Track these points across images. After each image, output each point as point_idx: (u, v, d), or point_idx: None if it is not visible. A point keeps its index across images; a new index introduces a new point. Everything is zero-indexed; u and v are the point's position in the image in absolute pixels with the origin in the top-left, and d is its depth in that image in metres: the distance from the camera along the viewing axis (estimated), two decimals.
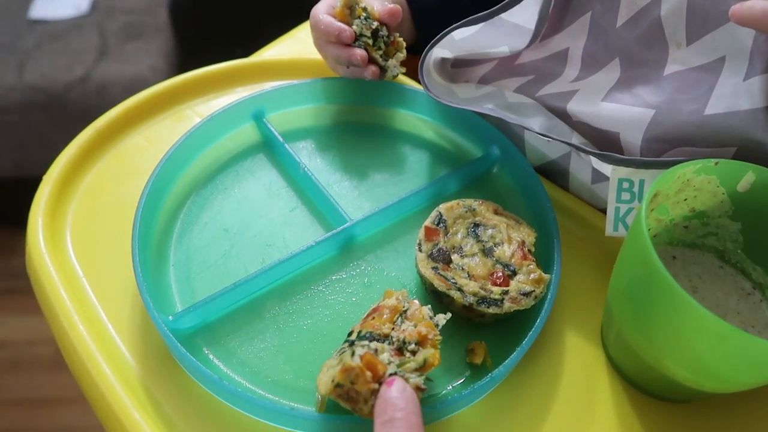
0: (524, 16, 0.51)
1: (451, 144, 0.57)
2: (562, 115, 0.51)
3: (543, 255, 0.47)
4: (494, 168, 0.54)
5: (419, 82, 0.53)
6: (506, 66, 0.56)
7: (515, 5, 0.50)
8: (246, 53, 0.69)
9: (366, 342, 0.38)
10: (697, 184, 0.41)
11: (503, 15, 0.50)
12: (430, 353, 0.38)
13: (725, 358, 0.34)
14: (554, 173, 0.53)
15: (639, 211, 0.37)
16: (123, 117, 0.55)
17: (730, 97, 0.42)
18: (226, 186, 0.52)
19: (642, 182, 0.43)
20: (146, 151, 0.54)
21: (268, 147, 0.55)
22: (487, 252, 0.46)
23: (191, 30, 1.38)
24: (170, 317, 0.42)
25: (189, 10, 1.32)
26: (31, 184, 0.50)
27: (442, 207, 0.48)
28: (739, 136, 0.42)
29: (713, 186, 0.41)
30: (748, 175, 0.40)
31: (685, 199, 0.42)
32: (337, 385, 0.35)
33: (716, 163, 0.40)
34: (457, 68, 0.59)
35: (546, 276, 0.45)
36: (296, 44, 0.65)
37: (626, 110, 0.47)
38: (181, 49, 1.42)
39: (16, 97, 1.30)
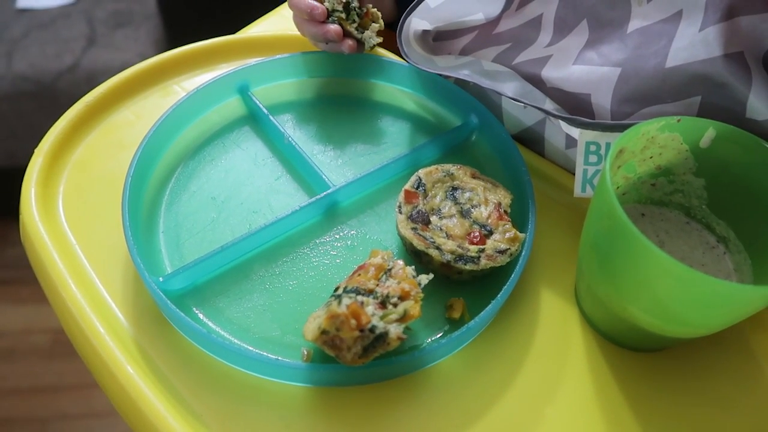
0: None
1: (431, 114, 0.59)
2: (537, 82, 0.53)
3: (519, 216, 0.49)
4: (473, 136, 0.56)
5: (399, 54, 0.54)
6: (485, 35, 0.58)
7: None
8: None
9: (352, 294, 0.40)
10: (662, 141, 0.43)
11: None
12: (410, 305, 0.40)
13: (684, 300, 0.36)
14: (530, 140, 0.55)
15: (604, 166, 0.39)
16: (111, 92, 0.56)
17: (687, 48, 0.44)
18: (213, 157, 0.54)
19: (608, 145, 0.45)
20: (134, 125, 0.55)
21: (254, 119, 0.57)
22: (464, 213, 0.48)
23: (179, 16, 1.39)
24: (161, 278, 0.44)
25: None
26: (23, 175, 0.51)
27: (422, 172, 0.50)
28: (700, 84, 0.44)
29: (677, 143, 0.43)
30: (709, 131, 0.42)
31: (651, 157, 0.44)
32: (323, 332, 0.37)
33: (678, 120, 0.42)
34: (439, 41, 0.61)
35: (521, 235, 0.47)
36: (281, 21, 0.67)
37: (595, 71, 0.49)
38: (169, 35, 1.43)
39: (5, 86, 1.30)
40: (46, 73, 1.32)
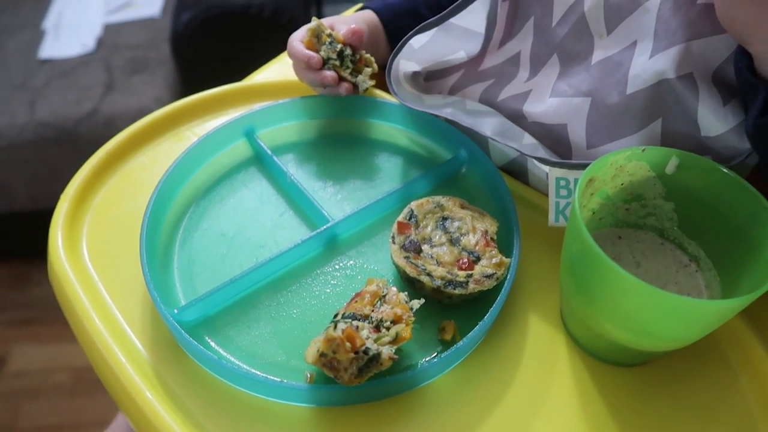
0: (473, 21, 0.57)
1: (423, 149, 0.63)
2: (519, 117, 0.57)
3: (505, 242, 0.53)
4: (462, 168, 0.60)
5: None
6: (472, 72, 0.62)
7: (462, 10, 0.57)
8: (244, 79, 0.76)
9: (349, 320, 0.44)
10: (630, 169, 0.47)
11: (452, 20, 0.57)
12: (401, 328, 0.44)
13: (652, 316, 0.40)
14: (515, 170, 0.59)
15: (574, 196, 0.42)
16: (129, 140, 0.62)
17: (641, 74, 0.48)
18: (222, 196, 0.58)
19: (577, 180, 0.48)
20: (150, 169, 0.60)
21: (259, 160, 0.61)
22: (454, 241, 0.52)
23: (192, 61, 1.46)
24: (176, 310, 0.48)
25: (189, 42, 1.40)
26: (46, 216, 0.55)
27: (414, 204, 0.54)
28: (658, 105, 0.49)
29: (644, 170, 0.47)
30: (672, 159, 0.46)
31: (622, 184, 0.48)
32: (322, 354, 0.41)
33: (643, 150, 0.46)
34: (429, 81, 0.66)
35: (506, 260, 0.50)
36: (283, 67, 0.72)
37: (568, 102, 0.53)
38: (183, 79, 1.50)
39: (28, 133, 1.37)
40: (67, 120, 1.39)
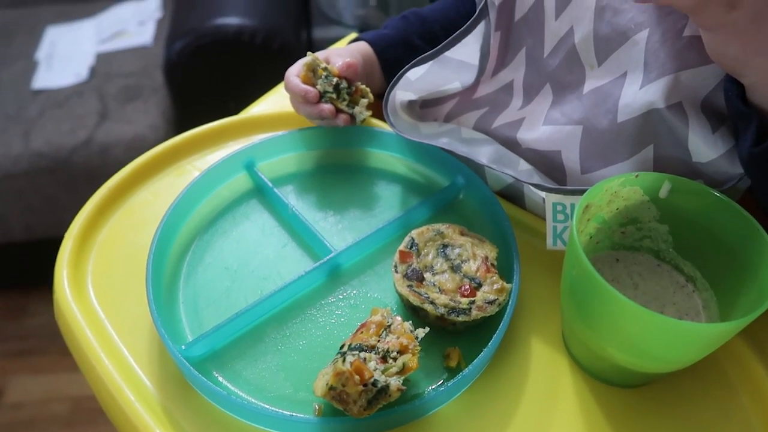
0: (467, 53, 0.59)
1: (421, 176, 0.64)
2: (513, 144, 0.59)
3: (506, 267, 0.54)
4: (460, 195, 0.62)
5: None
6: (466, 100, 0.64)
7: (457, 44, 0.58)
8: (238, 105, 0.77)
9: (356, 352, 0.44)
10: (624, 194, 0.48)
11: (447, 53, 0.58)
12: (408, 358, 0.44)
13: (652, 339, 0.41)
14: (512, 195, 0.60)
15: (571, 223, 0.43)
16: (131, 176, 0.62)
17: (631, 104, 0.50)
18: (225, 230, 0.59)
19: (573, 205, 0.50)
20: (153, 205, 0.61)
21: (260, 193, 0.62)
22: (455, 268, 0.53)
23: (186, 88, 1.47)
24: (183, 346, 0.48)
25: (182, 69, 1.41)
26: (42, 246, 0.56)
27: (414, 232, 0.55)
28: (649, 133, 0.50)
29: (638, 195, 0.48)
30: (665, 184, 0.47)
31: (617, 209, 0.49)
32: (331, 388, 0.42)
33: (637, 176, 0.47)
34: (425, 108, 0.67)
35: (507, 285, 0.51)
36: (281, 98, 0.73)
37: (561, 129, 0.55)
38: (177, 105, 1.51)
39: (23, 164, 1.38)
40: (61, 149, 1.39)
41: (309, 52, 0.62)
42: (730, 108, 0.46)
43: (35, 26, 1.72)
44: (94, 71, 1.57)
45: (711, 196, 0.46)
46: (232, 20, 1.39)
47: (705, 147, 0.48)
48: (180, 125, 1.52)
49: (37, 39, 1.68)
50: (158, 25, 1.70)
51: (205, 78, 1.46)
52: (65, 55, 1.64)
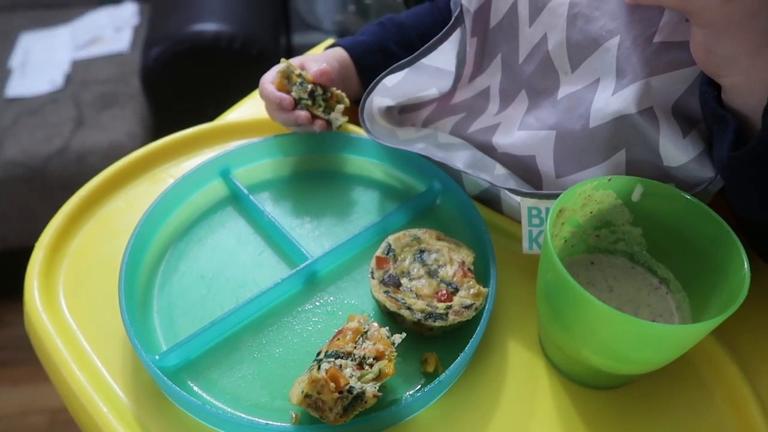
0: (443, 60, 0.59)
1: (398, 182, 0.64)
2: (489, 149, 0.59)
3: (482, 272, 0.54)
4: (437, 200, 0.62)
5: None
6: (444, 106, 0.64)
7: (433, 51, 0.58)
8: (217, 111, 0.76)
9: (332, 359, 0.44)
10: (598, 198, 0.48)
11: (423, 60, 0.59)
12: (384, 364, 0.44)
13: (623, 341, 0.41)
14: (489, 200, 0.60)
15: (545, 227, 0.44)
16: (104, 184, 0.61)
17: (603, 109, 0.50)
18: (200, 237, 0.59)
19: (548, 209, 0.50)
20: (126, 213, 0.60)
21: (236, 200, 0.62)
22: (432, 274, 0.53)
23: (163, 94, 1.46)
24: (156, 356, 0.47)
25: (159, 76, 1.40)
26: (17, 256, 0.55)
27: (391, 238, 0.55)
28: (621, 137, 0.51)
29: (611, 199, 0.48)
30: (637, 187, 0.48)
31: (591, 212, 0.49)
32: (306, 396, 0.41)
33: (609, 179, 0.47)
34: (403, 114, 0.67)
35: (484, 290, 0.51)
36: (256, 105, 0.72)
37: (535, 134, 0.55)
38: (154, 112, 1.50)
39: None
40: (36, 157, 1.37)
41: (283, 59, 0.62)
42: (705, 111, 0.47)
43: (9, 33, 1.69)
44: (69, 78, 1.55)
45: (682, 199, 0.46)
46: (209, 26, 1.38)
47: (676, 151, 0.49)
48: (158, 132, 1.51)
49: (10, 46, 1.66)
50: (135, 31, 1.69)
51: (183, 84, 1.44)
52: (40, 63, 1.61)
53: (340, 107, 0.62)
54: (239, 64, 1.40)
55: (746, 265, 0.41)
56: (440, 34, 0.59)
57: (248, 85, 0.77)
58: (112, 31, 1.71)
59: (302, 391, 0.41)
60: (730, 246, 0.43)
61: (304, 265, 0.54)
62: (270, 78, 0.62)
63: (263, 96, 0.62)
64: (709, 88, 0.45)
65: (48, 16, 1.76)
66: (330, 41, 0.79)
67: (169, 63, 1.38)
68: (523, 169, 0.57)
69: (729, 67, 0.43)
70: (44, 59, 1.62)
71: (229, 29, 1.38)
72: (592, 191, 0.48)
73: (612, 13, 0.51)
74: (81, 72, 1.56)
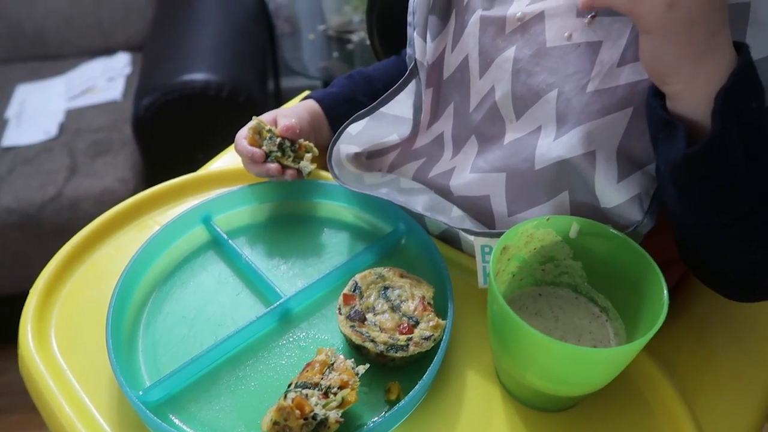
0: (401, 108, 0.65)
1: (366, 223, 0.70)
2: (447, 193, 0.64)
3: (442, 306, 0.59)
4: (402, 240, 0.67)
5: None
6: (407, 151, 0.70)
7: (390, 101, 0.64)
8: (206, 156, 0.82)
9: (300, 389, 0.48)
10: (539, 236, 0.54)
11: (382, 109, 0.64)
12: (347, 392, 0.49)
13: (560, 365, 0.46)
14: (450, 238, 0.66)
15: (490, 265, 0.49)
16: (94, 232, 0.66)
17: (546, 153, 0.56)
18: (183, 281, 0.63)
19: None
20: (115, 259, 0.65)
21: (216, 244, 0.67)
22: (395, 308, 0.57)
23: (154, 141, 1.52)
24: (140, 392, 0.52)
25: (150, 124, 1.46)
26: (11, 301, 0.59)
27: (358, 276, 0.59)
28: (564, 179, 0.56)
29: (552, 236, 0.54)
30: (574, 226, 0.53)
31: (535, 248, 0.55)
32: (275, 423, 0.46)
33: (548, 219, 0.53)
34: (371, 159, 0.73)
35: (442, 322, 0.56)
36: (235, 155, 0.78)
37: (487, 176, 0.61)
38: (146, 159, 1.55)
39: None
40: (30, 205, 1.42)
41: (254, 117, 0.68)
42: (652, 120, 0.49)
43: (6, 85, 1.76)
44: (63, 127, 1.61)
45: (612, 236, 0.51)
46: (198, 76, 1.45)
47: (610, 194, 0.54)
48: (149, 177, 1.56)
49: (7, 97, 1.73)
50: (127, 80, 1.76)
51: (173, 131, 1.51)
52: (35, 113, 1.68)
53: (309, 156, 0.68)
54: (227, 111, 1.46)
55: (665, 293, 0.46)
56: (396, 85, 0.65)
57: (236, 130, 0.83)
58: (106, 81, 1.79)
59: (271, 419, 0.46)
60: (654, 275, 0.48)
61: (278, 303, 0.59)
62: (243, 134, 0.68)
63: (237, 151, 0.68)
64: (656, 98, 0.48)
65: (44, 68, 1.83)
66: (308, 92, 0.86)
67: (159, 112, 1.44)
68: (477, 210, 0.62)
69: (673, 75, 0.45)
70: (39, 109, 1.69)
71: (218, 78, 1.45)
72: (534, 230, 0.53)
73: (550, 68, 0.57)
74: (75, 121, 1.63)
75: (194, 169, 0.83)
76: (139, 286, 0.62)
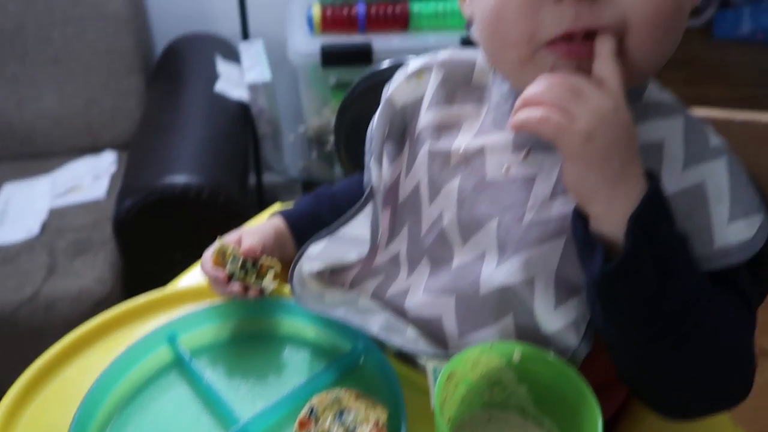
0: (359, 230, 0.69)
1: (327, 341, 0.72)
2: (402, 313, 0.68)
3: (395, 427, 0.60)
4: (361, 359, 0.69)
5: None
6: (367, 269, 0.73)
7: (348, 223, 0.68)
8: (185, 255, 0.85)
9: None
10: (485, 361, 0.56)
11: (341, 230, 0.68)
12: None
13: None
14: (407, 357, 0.68)
15: (435, 391, 0.51)
16: (59, 355, 0.68)
17: (489, 279, 0.60)
18: (144, 404, 0.64)
19: None
20: (78, 383, 0.65)
21: (180, 365, 0.68)
22: None
23: (134, 241, 1.55)
24: None
25: (131, 225, 1.50)
26: None
27: (315, 399, 0.61)
28: (507, 304, 0.60)
29: (496, 361, 0.56)
30: (516, 351, 0.56)
31: (482, 373, 0.57)
32: None
33: (491, 346, 0.56)
34: (333, 275, 0.76)
35: None
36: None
37: (438, 298, 0.64)
38: (126, 258, 1.58)
39: None
40: (6, 305, 1.43)
41: (218, 238, 0.72)
42: (576, 238, 0.55)
43: None
44: (45, 226, 1.64)
45: (554, 364, 0.54)
46: (179, 178, 1.50)
47: (549, 320, 0.57)
48: (128, 277, 1.58)
49: None
50: (112, 179, 1.81)
51: (153, 231, 1.54)
52: (19, 211, 1.71)
53: (270, 274, 0.71)
54: (207, 212, 1.51)
55: (599, 423, 0.49)
56: (353, 209, 0.69)
57: (215, 230, 0.85)
58: (91, 180, 1.83)
59: None
60: (589, 404, 0.51)
61: (235, 429, 0.60)
62: (208, 255, 0.72)
63: (203, 272, 0.71)
64: (580, 219, 0.53)
65: (31, 167, 1.88)
66: (278, 205, 0.91)
67: (140, 213, 1.48)
68: (431, 330, 0.65)
69: (593, 198, 0.51)
70: (23, 208, 1.72)
71: (198, 180, 1.51)
72: (479, 355, 0.56)
73: (490, 199, 0.63)
74: (57, 220, 1.66)
75: (172, 269, 0.87)
76: (100, 411, 0.63)
